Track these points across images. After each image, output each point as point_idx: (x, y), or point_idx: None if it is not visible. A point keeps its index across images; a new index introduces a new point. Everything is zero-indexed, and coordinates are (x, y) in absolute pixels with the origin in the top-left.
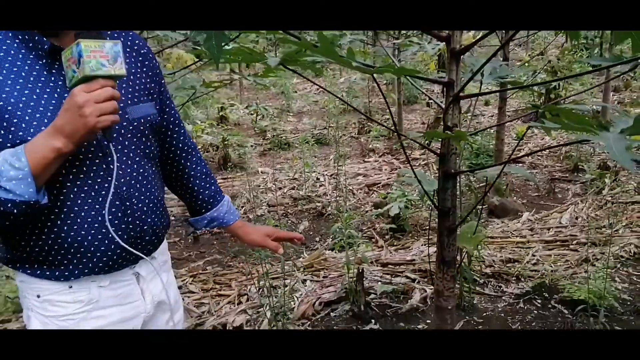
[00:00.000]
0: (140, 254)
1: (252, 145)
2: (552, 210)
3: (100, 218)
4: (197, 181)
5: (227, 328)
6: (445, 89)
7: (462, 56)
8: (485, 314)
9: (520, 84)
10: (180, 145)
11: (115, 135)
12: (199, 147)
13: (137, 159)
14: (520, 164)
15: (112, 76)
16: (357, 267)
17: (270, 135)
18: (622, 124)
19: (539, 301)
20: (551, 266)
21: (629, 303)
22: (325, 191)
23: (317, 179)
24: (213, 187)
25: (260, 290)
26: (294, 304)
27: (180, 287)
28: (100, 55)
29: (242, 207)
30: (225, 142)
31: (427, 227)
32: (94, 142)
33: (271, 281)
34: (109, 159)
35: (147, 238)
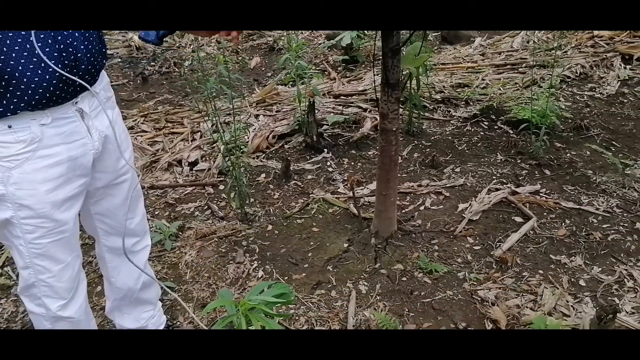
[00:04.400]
0: (76, 79)
1: None
2: (504, 35)
3: (29, 46)
4: None
5: (183, 164)
6: None
7: None
8: (433, 137)
9: None
10: None
11: None
12: None
13: None
14: None
15: None
16: (309, 99)
17: None
18: None
19: (486, 123)
20: (499, 89)
21: (570, 121)
22: None
23: None
24: None
25: (213, 126)
26: (248, 138)
27: (132, 128)
28: None
29: (190, 45)
30: None
31: (379, 57)
32: None
33: (224, 118)
34: None
35: (82, 67)
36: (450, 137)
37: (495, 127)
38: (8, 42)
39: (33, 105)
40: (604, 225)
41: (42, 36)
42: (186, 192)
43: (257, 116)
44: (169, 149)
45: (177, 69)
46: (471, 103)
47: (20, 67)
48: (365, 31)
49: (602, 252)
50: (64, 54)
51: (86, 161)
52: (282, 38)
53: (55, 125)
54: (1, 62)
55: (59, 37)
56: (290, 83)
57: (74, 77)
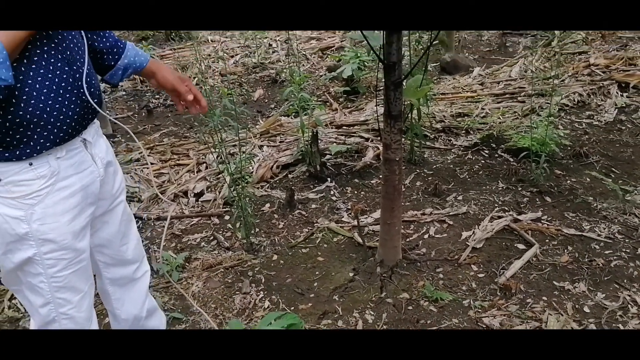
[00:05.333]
0: (99, 109)
1: None
2: (502, 64)
3: (55, 87)
4: (95, 36)
5: (189, 195)
6: None
7: None
8: (435, 166)
9: None
10: (103, 46)
11: None
12: None
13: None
14: None
15: None
16: (312, 130)
17: None
18: None
19: (487, 151)
20: (499, 118)
21: (569, 148)
22: (279, 57)
23: (270, 45)
24: (112, 38)
25: (218, 157)
26: (252, 169)
27: (138, 160)
28: None
29: (194, 78)
30: None
31: (380, 88)
32: None
33: (228, 149)
34: (66, 33)
35: (95, 100)
36: (452, 166)
37: (496, 155)
38: (44, 89)
39: (57, 143)
40: (607, 252)
41: (64, 76)
42: (192, 222)
43: (261, 147)
44: (175, 180)
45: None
46: (471, 132)
47: (48, 109)
48: (366, 63)
49: (606, 278)
50: (82, 90)
51: (95, 188)
52: (285, 70)
53: (68, 157)
54: (31, 107)
55: (77, 74)
56: (293, 114)
57: (100, 110)
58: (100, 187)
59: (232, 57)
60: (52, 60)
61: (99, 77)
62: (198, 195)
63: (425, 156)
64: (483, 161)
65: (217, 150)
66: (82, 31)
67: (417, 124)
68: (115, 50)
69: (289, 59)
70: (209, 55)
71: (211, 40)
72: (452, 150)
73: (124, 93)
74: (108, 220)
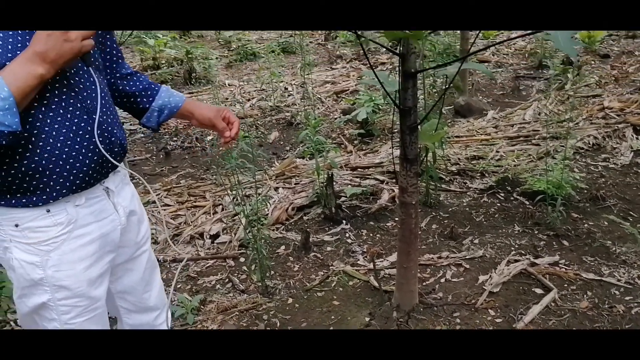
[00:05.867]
0: (115, 162)
1: (217, 58)
2: (516, 107)
3: (72, 135)
4: (125, 80)
5: (205, 237)
6: None
7: None
8: (451, 209)
9: None
10: (109, 56)
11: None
12: (163, 61)
13: (91, 71)
14: (487, 63)
15: None
16: (327, 172)
17: (236, 46)
18: None
19: (502, 194)
20: (514, 161)
21: (585, 191)
22: (294, 100)
23: (285, 88)
24: (145, 81)
25: (234, 199)
26: (268, 211)
27: (154, 202)
28: None
29: None
30: (189, 56)
31: (395, 130)
32: (73, 66)
33: (244, 190)
34: (83, 80)
35: (116, 150)
36: (467, 209)
37: (512, 198)
38: (61, 137)
39: (73, 190)
40: (627, 298)
41: (82, 124)
42: (208, 264)
43: (276, 189)
44: (191, 222)
45: (198, 144)
46: (486, 175)
47: (64, 156)
48: (380, 106)
49: (627, 325)
50: (101, 139)
51: (115, 237)
52: (300, 113)
53: (88, 205)
54: (46, 154)
55: (104, 125)
56: (309, 156)
57: (114, 161)
58: (122, 235)
59: (249, 100)
60: (70, 108)
61: (138, 122)
62: (214, 237)
63: (440, 199)
64: (499, 204)
65: (233, 192)
66: (100, 77)
67: (432, 166)
68: (148, 92)
69: (304, 102)
70: (227, 98)
71: (229, 84)
72: (468, 193)
73: (142, 135)
74: (132, 268)
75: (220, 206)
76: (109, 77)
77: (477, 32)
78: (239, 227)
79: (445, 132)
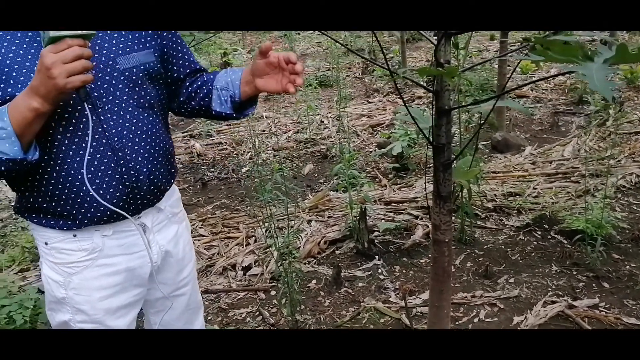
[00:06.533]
0: (122, 212)
1: None
2: (554, 144)
3: (93, 169)
4: (180, 82)
5: (237, 269)
6: None
7: None
8: (486, 246)
9: None
10: (195, 86)
11: (106, 86)
12: None
13: (130, 108)
14: (525, 99)
15: (80, 35)
16: (360, 206)
17: None
18: (606, 53)
19: (539, 232)
20: (552, 198)
21: (627, 231)
22: (330, 133)
23: (321, 121)
24: (201, 78)
25: (267, 231)
26: (300, 244)
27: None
28: None
29: (248, 152)
30: None
31: (430, 165)
32: (76, 99)
33: (277, 223)
34: (78, 116)
35: (144, 188)
36: (503, 247)
37: (549, 236)
38: (72, 170)
39: (95, 222)
40: None
41: (105, 160)
42: (239, 297)
43: (309, 222)
44: (224, 253)
45: (235, 175)
46: (523, 212)
47: (84, 188)
48: (416, 140)
49: None
50: (125, 176)
51: (144, 272)
52: (335, 146)
53: (117, 237)
54: (69, 183)
55: (122, 161)
56: (342, 190)
57: (119, 211)
58: (157, 273)
59: (284, 132)
60: (83, 144)
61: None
62: (246, 269)
63: (475, 236)
64: (535, 242)
65: (266, 224)
66: (107, 115)
67: (467, 202)
68: (206, 79)
69: (339, 135)
70: (263, 130)
71: (265, 117)
72: (504, 231)
73: (180, 166)
74: (171, 306)
75: (253, 238)
76: (175, 103)
77: (514, 68)
78: (270, 260)
79: (480, 169)
